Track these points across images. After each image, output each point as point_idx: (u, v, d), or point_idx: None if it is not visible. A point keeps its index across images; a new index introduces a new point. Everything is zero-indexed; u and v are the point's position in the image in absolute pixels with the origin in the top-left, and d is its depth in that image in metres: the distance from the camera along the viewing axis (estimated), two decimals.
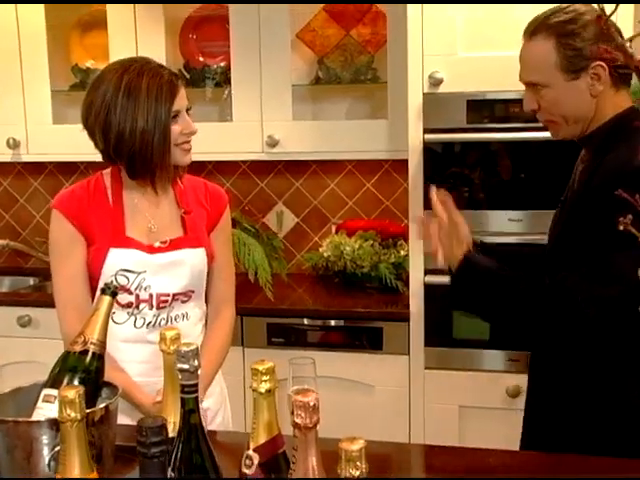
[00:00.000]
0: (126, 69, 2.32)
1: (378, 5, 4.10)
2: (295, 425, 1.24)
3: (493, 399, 3.47)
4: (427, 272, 3.52)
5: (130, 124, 2.27)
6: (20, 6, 4.20)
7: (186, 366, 1.48)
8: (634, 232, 0.96)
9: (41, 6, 4.18)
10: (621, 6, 3.00)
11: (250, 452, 1.41)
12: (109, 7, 4.12)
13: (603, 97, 2.09)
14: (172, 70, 2.43)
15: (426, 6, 3.38)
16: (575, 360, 2.13)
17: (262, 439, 1.41)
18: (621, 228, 0.97)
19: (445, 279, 2.23)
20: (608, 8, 1.30)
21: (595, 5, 1.65)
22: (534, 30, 2.11)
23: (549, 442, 2.20)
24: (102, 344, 1.73)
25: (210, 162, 4.42)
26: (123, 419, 2.04)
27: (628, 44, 0.94)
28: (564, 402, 2.18)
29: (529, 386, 2.36)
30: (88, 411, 1.56)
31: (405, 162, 3.55)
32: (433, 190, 2.18)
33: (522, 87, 2.22)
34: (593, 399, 2.12)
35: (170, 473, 1.48)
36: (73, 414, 1.29)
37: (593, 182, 2.03)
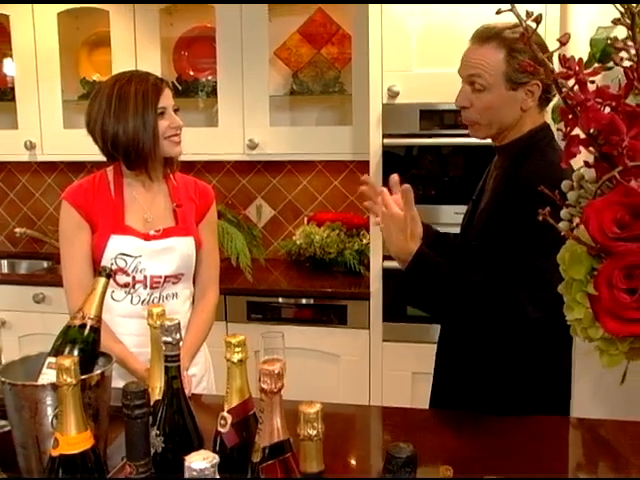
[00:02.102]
0: (118, 79, 2.35)
1: (345, 28, 4.10)
2: (262, 390, 1.22)
3: None
4: (385, 258, 3.52)
5: (123, 124, 2.29)
6: (37, 27, 4.19)
7: (169, 339, 1.46)
8: (552, 222, 0.94)
9: (55, 27, 4.18)
10: (548, 20, 3.01)
11: (224, 413, 1.40)
12: (113, 29, 4.11)
13: (527, 113, 2.04)
14: (158, 76, 2.42)
15: (385, 29, 3.38)
16: (482, 339, 2.06)
17: (235, 402, 1.39)
18: (540, 219, 0.95)
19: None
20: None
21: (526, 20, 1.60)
22: (488, 38, 2.00)
23: (453, 402, 2.19)
24: (98, 319, 1.71)
25: (199, 162, 4.41)
26: (120, 383, 2.02)
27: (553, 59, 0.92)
28: (468, 372, 2.15)
29: (437, 353, 2.31)
30: (86, 377, 1.55)
31: (367, 163, 3.54)
32: (394, 178, 2.02)
33: None
34: (494, 369, 2.09)
35: (155, 431, 1.47)
36: (69, 379, 1.28)
37: (517, 189, 1.95)
